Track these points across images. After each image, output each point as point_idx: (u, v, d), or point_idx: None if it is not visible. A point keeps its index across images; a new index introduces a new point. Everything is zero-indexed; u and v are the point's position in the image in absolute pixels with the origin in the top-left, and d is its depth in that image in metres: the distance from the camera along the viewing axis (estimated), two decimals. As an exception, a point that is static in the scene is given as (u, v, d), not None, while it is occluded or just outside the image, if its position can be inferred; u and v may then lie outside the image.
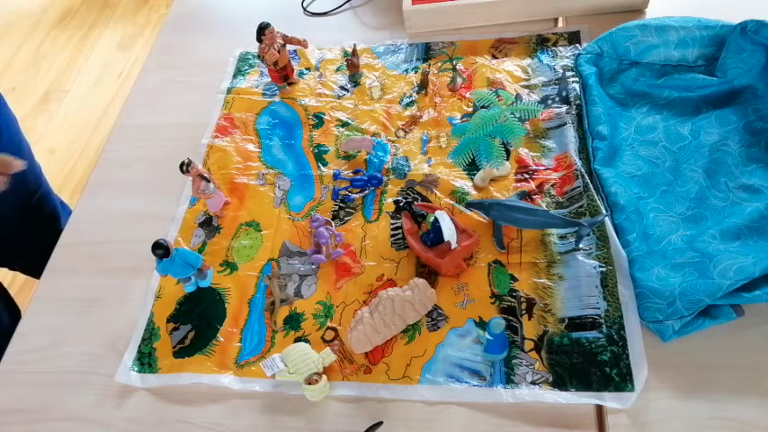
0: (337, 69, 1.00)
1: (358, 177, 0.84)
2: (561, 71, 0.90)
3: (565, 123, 0.84)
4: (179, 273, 0.74)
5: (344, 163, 0.88)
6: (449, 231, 0.70)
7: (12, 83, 2.54)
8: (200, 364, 0.71)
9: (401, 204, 0.81)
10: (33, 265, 0.85)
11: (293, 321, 0.73)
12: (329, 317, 0.73)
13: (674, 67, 0.84)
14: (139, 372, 0.72)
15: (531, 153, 0.83)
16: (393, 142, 0.89)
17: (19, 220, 1.07)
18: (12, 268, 1.23)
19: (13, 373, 0.75)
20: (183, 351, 0.73)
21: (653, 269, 0.66)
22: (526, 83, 0.91)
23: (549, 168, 0.81)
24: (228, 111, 0.98)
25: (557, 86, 0.89)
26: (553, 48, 0.94)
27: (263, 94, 0.99)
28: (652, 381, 0.62)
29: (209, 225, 0.84)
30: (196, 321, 0.75)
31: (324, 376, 0.66)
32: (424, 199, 0.81)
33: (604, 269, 0.70)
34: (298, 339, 0.71)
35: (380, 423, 0.63)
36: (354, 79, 0.98)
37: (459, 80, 0.93)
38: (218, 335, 0.73)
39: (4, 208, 1.03)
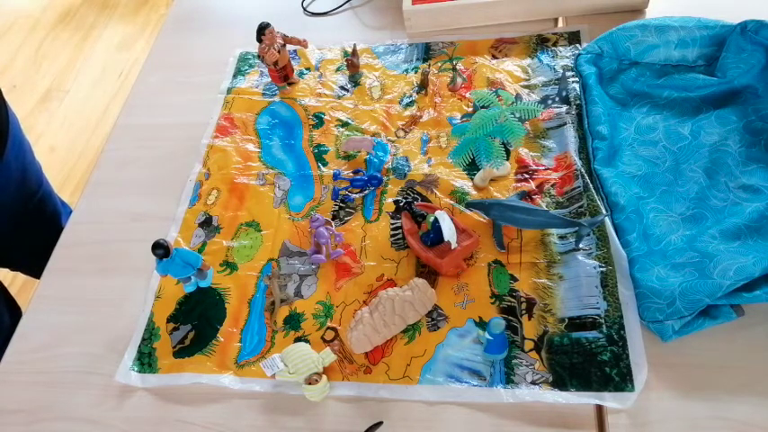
0: (337, 69, 1.00)
1: (358, 177, 0.84)
2: (561, 71, 0.90)
3: (565, 123, 0.84)
4: (179, 273, 0.74)
5: (344, 163, 0.88)
6: (449, 231, 0.70)
7: (12, 82, 2.54)
8: (200, 364, 0.71)
9: (401, 204, 0.81)
10: (34, 266, 0.85)
11: (293, 321, 0.73)
12: (329, 317, 0.73)
13: (674, 67, 0.84)
14: (139, 372, 0.72)
15: (531, 153, 0.83)
16: (393, 142, 0.89)
17: (20, 221, 1.06)
18: (12, 269, 1.23)
19: (13, 373, 0.75)
20: (183, 351, 0.73)
21: (653, 269, 0.66)
22: (526, 83, 0.91)
23: (549, 168, 0.81)
24: (228, 111, 0.98)
25: (557, 86, 0.88)
26: (553, 48, 0.94)
27: (263, 94, 0.99)
28: (652, 381, 0.62)
29: (209, 225, 0.84)
30: (196, 321, 0.75)
31: (324, 376, 0.66)
32: (424, 199, 0.81)
33: (604, 269, 0.70)
34: (298, 339, 0.71)
35: (380, 423, 0.63)
36: (354, 79, 0.98)
37: (459, 80, 0.93)
38: (218, 335, 0.73)
39: (6, 207, 1.03)
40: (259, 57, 0.93)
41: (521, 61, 0.94)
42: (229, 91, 1.01)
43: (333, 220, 0.81)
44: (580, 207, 0.75)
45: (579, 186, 0.77)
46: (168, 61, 1.10)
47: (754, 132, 0.74)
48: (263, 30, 0.90)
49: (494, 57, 0.96)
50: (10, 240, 1.07)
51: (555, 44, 0.95)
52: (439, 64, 0.97)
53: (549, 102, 0.87)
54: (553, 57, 0.93)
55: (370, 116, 0.92)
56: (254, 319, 0.74)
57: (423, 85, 0.94)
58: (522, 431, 0.61)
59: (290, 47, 0.97)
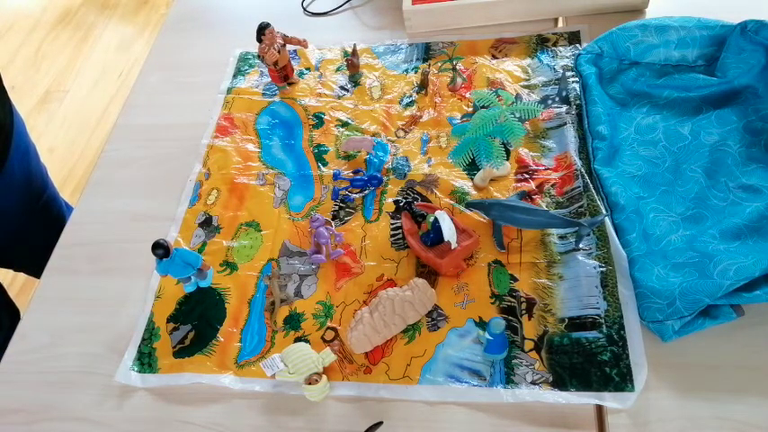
0: (337, 69, 1.00)
1: (358, 177, 0.84)
2: (561, 71, 0.90)
3: (565, 123, 0.84)
4: (179, 273, 0.74)
5: (344, 163, 0.88)
6: (449, 231, 0.70)
7: (12, 82, 2.54)
8: (200, 364, 0.71)
9: (401, 204, 0.81)
10: (38, 267, 0.85)
11: (293, 321, 0.73)
12: (329, 317, 0.73)
13: (674, 67, 0.84)
14: (139, 372, 0.72)
15: (531, 153, 0.83)
16: (393, 142, 0.89)
17: (26, 224, 1.06)
18: (17, 270, 1.23)
19: (13, 373, 0.75)
20: (183, 351, 0.73)
21: (653, 269, 0.66)
22: (526, 83, 0.91)
23: (549, 168, 0.81)
24: (228, 111, 0.98)
25: (557, 86, 0.88)
26: (553, 48, 0.94)
27: (263, 94, 0.99)
28: (652, 381, 0.62)
29: (209, 225, 0.84)
30: (196, 321, 0.75)
31: (324, 376, 0.66)
32: (424, 199, 0.81)
33: (604, 269, 0.70)
34: (298, 339, 0.71)
35: (380, 423, 0.63)
36: (354, 79, 0.98)
37: (459, 80, 0.93)
38: (218, 335, 0.73)
39: (10, 211, 1.02)
40: (259, 57, 0.93)
41: (521, 61, 0.94)
42: (229, 91, 1.01)
43: (333, 220, 0.81)
44: (580, 207, 0.75)
45: (579, 186, 0.77)
46: (168, 61, 1.10)
47: (754, 132, 0.74)
48: (263, 30, 0.90)
49: (494, 57, 0.96)
50: (14, 243, 1.07)
51: (555, 44, 0.95)
52: (439, 64, 0.97)
53: (549, 102, 0.87)
54: (553, 57, 0.93)
55: (370, 116, 0.92)
56: (254, 319, 0.74)
57: (423, 85, 0.94)
58: (521, 431, 0.61)
59: (290, 47, 0.97)
